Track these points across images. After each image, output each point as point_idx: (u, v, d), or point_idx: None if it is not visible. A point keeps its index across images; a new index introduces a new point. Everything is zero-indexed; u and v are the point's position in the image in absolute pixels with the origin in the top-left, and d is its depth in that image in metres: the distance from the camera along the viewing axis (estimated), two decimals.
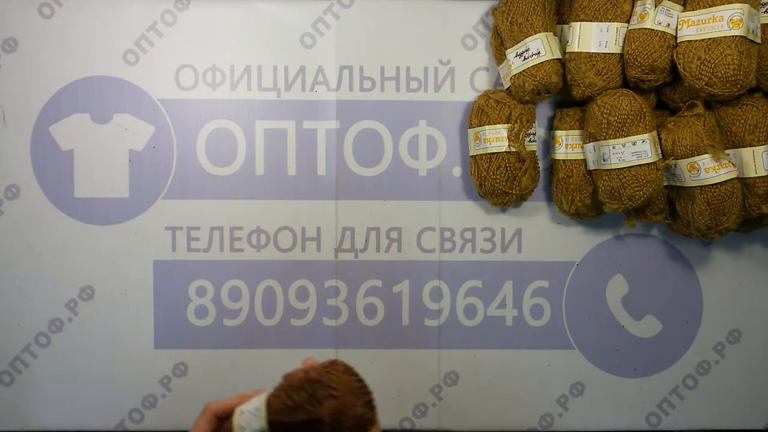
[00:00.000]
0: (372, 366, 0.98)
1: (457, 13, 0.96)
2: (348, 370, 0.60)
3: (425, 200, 0.97)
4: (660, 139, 0.87)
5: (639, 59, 0.84)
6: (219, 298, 0.97)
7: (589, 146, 0.88)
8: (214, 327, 0.97)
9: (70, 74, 0.95)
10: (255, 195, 0.97)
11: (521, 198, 0.93)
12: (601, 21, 0.86)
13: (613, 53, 0.86)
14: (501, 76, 0.94)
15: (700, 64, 0.81)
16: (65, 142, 0.95)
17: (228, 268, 0.97)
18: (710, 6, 0.82)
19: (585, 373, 0.99)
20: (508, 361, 0.99)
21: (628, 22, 0.87)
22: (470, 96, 0.96)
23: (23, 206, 0.96)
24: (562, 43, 0.90)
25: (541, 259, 0.98)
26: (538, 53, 0.87)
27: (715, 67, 0.80)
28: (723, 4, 0.81)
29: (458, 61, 0.96)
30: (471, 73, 0.96)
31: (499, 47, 0.93)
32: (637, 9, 0.86)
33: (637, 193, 0.85)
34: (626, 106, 0.84)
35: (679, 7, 0.84)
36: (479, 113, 0.91)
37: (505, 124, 0.89)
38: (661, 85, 0.88)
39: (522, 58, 0.88)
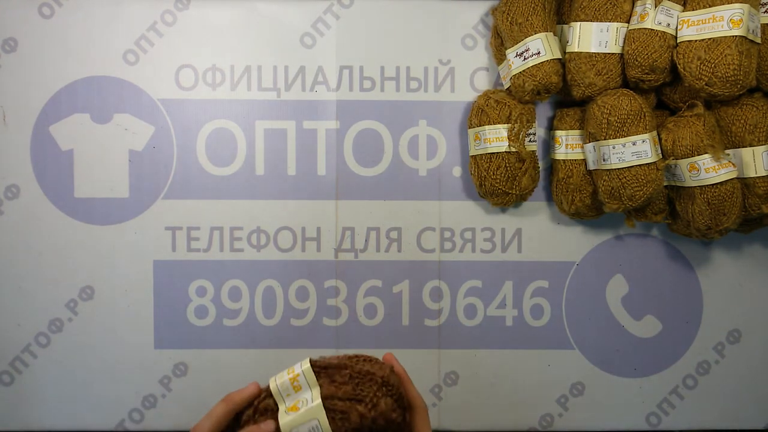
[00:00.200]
0: None
1: (457, 13, 0.96)
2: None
3: (425, 200, 0.97)
4: (660, 139, 0.87)
5: (639, 59, 0.84)
6: (219, 298, 0.97)
7: (589, 146, 0.88)
8: (214, 327, 0.97)
9: (70, 74, 0.95)
10: (255, 195, 0.96)
11: (521, 198, 0.93)
12: (601, 21, 0.86)
13: (613, 53, 0.86)
14: (501, 76, 0.94)
15: (700, 64, 0.81)
16: (65, 142, 0.95)
17: (228, 268, 0.97)
18: (710, 6, 0.82)
19: (585, 373, 0.99)
20: (508, 361, 0.99)
21: (628, 22, 0.87)
22: (470, 96, 0.96)
23: (23, 206, 0.96)
24: (562, 43, 0.90)
25: (541, 259, 0.98)
26: (538, 53, 0.86)
27: (715, 67, 0.80)
28: (723, 4, 0.81)
29: (458, 61, 0.96)
30: (471, 73, 0.96)
31: (499, 47, 0.93)
32: (637, 9, 0.86)
33: (637, 193, 0.85)
34: (626, 106, 0.84)
35: (679, 7, 0.84)
36: (479, 113, 0.91)
37: (505, 124, 0.89)
38: (661, 85, 0.88)
39: (522, 58, 0.88)
